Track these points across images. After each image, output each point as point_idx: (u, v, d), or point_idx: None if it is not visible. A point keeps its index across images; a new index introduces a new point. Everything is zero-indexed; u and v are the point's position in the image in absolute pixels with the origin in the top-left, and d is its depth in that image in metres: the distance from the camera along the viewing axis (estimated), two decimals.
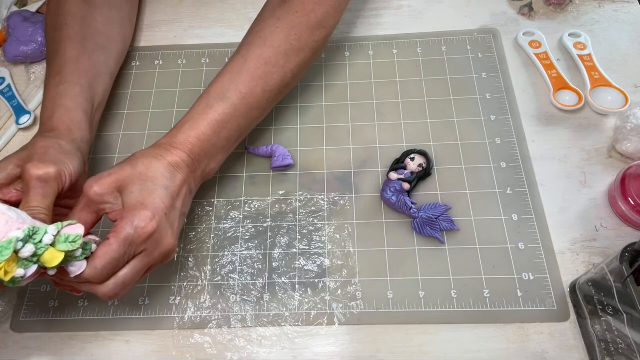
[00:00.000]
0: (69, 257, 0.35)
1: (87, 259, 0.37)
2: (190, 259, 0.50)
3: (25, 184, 0.39)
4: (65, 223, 0.35)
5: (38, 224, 0.34)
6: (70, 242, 0.34)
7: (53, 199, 0.39)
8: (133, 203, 0.38)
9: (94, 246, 0.37)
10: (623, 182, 0.47)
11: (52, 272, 0.35)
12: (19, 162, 0.40)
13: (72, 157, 0.42)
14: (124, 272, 0.38)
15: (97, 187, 0.39)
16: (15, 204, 0.38)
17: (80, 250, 0.35)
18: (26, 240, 0.32)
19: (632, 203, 0.46)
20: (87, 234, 0.39)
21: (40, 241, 0.33)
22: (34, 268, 0.33)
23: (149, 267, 0.40)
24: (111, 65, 0.55)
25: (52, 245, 0.34)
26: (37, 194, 0.38)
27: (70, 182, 0.41)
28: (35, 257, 0.33)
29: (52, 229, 0.34)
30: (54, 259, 0.34)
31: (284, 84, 0.49)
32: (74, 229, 0.35)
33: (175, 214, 0.41)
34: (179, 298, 0.48)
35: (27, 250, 0.32)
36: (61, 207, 0.43)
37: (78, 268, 0.36)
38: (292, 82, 0.50)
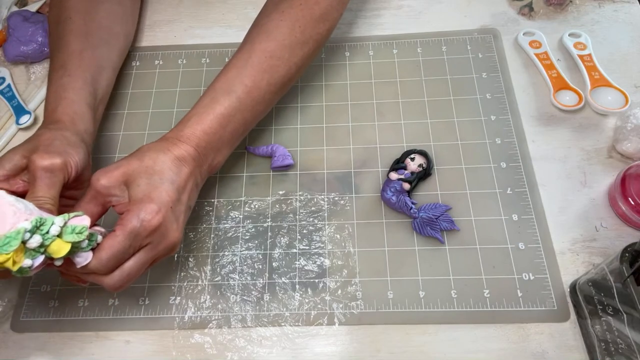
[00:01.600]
0: (75, 248, 0.35)
1: (93, 250, 0.37)
2: (190, 259, 0.50)
3: (31, 175, 0.39)
4: (72, 214, 0.35)
5: (45, 215, 0.34)
6: (76, 233, 0.35)
7: (59, 190, 0.39)
8: (139, 196, 0.39)
9: (99, 237, 0.37)
10: (623, 182, 0.47)
11: (58, 263, 0.35)
12: (25, 153, 0.40)
13: (77, 148, 0.43)
14: (129, 264, 0.38)
15: (105, 179, 0.39)
16: (22, 195, 0.38)
17: (87, 241, 0.36)
18: (34, 231, 0.33)
19: (632, 203, 0.46)
20: (92, 225, 0.40)
21: (48, 232, 0.33)
22: (41, 258, 0.34)
23: (153, 260, 0.40)
24: (114, 59, 0.55)
25: (59, 236, 0.34)
26: (43, 184, 0.38)
27: (76, 172, 0.42)
28: (43, 247, 0.34)
29: (59, 220, 0.34)
30: (60, 249, 0.34)
31: (289, 77, 0.49)
32: (80, 220, 0.35)
33: (181, 207, 0.41)
34: (179, 298, 0.48)
35: (35, 241, 0.33)
36: (66, 198, 0.43)
37: (84, 259, 0.36)
38: (296, 76, 0.50)
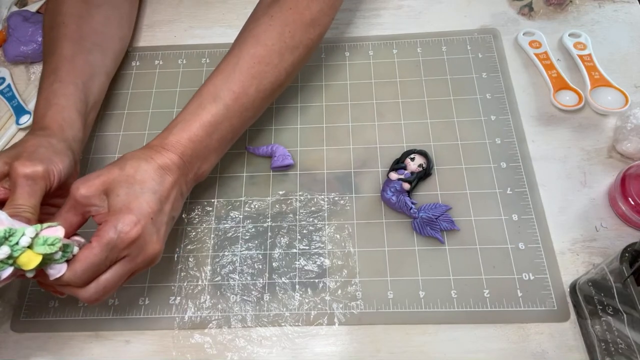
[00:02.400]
0: (48, 259, 0.34)
1: (68, 262, 0.36)
2: (190, 259, 0.50)
3: (12, 182, 0.38)
4: (45, 225, 0.34)
5: (17, 225, 0.34)
6: (48, 245, 0.34)
7: (40, 198, 0.39)
8: (118, 206, 0.38)
9: (75, 249, 0.36)
10: (623, 182, 0.47)
11: (30, 275, 0.35)
12: (7, 160, 0.40)
13: (62, 156, 0.42)
14: (106, 277, 0.37)
15: (84, 189, 0.38)
16: (3, 202, 0.38)
17: (60, 253, 0.35)
18: (1, 242, 0.32)
19: (632, 203, 0.46)
20: (72, 234, 0.39)
21: (17, 243, 0.33)
22: (9, 270, 0.33)
23: (132, 272, 0.39)
24: (108, 64, 0.55)
25: (30, 247, 0.33)
26: (23, 192, 0.38)
27: (59, 181, 0.41)
28: (11, 259, 0.33)
29: (30, 231, 0.33)
30: (30, 261, 0.33)
31: (278, 83, 0.48)
32: (54, 232, 0.34)
33: (163, 218, 0.40)
34: (179, 298, 0.48)
35: (2, 252, 0.32)
36: (50, 206, 0.42)
37: (57, 271, 0.35)
38: (286, 81, 0.49)
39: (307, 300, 0.47)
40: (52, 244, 0.34)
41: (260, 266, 0.49)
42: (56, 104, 0.46)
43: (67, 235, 0.37)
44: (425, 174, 0.51)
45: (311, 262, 0.49)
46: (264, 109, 0.50)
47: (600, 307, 0.40)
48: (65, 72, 0.49)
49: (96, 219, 0.39)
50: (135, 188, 0.39)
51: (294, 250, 0.49)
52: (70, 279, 0.36)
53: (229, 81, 0.45)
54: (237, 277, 0.48)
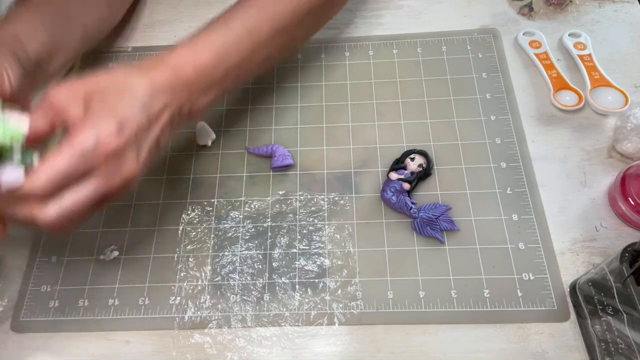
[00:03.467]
0: (3, 150, 0.27)
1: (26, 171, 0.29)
2: (190, 259, 0.50)
3: None
4: (8, 104, 0.27)
5: None
6: (7, 130, 0.26)
7: None
8: (99, 111, 0.31)
9: (35, 161, 0.30)
10: (623, 182, 0.47)
11: None
12: None
13: (7, 57, 0.36)
14: (72, 197, 0.31)
15: (65, 88, 0.32)
16: None
17: (19, 153, 0.28)
18: None
19: (632, 203, 0.46)
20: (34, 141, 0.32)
21: None
22: None
23: (102, 198, 0.33)
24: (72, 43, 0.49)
25: None
26: None
27: (11, 85, 0.35)
28: None
29: None
30: None
31: (292, 29, 0.45)
32: (17, 118, 0.27)
33: (149, 136, 0.34)
34: (179, 298, 0.48)
35: None
36: None
37: (12, 176, 0.28)
38: (299, 34, 0.46)
39: (307, 300, 0.47)
40: (15, 132, 0.27)
41: (260, 266, 0.49)
42: (10, 20, 0.41)
43: (27, 132, 0.30)
44: (425, 174, 0.51)
45: (311, 262, 0.49)
46: (275, 59, 0.48)
47: (600, 307, 0.40)
48: (35, 3, 0.44)
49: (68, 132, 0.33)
50: (123, 97, 0.33)
51: (294, 250, 0.49)
52: (31, 187, 0.29)
53: (244, 14, 0.43)
54: (237, 277, 0.48)
